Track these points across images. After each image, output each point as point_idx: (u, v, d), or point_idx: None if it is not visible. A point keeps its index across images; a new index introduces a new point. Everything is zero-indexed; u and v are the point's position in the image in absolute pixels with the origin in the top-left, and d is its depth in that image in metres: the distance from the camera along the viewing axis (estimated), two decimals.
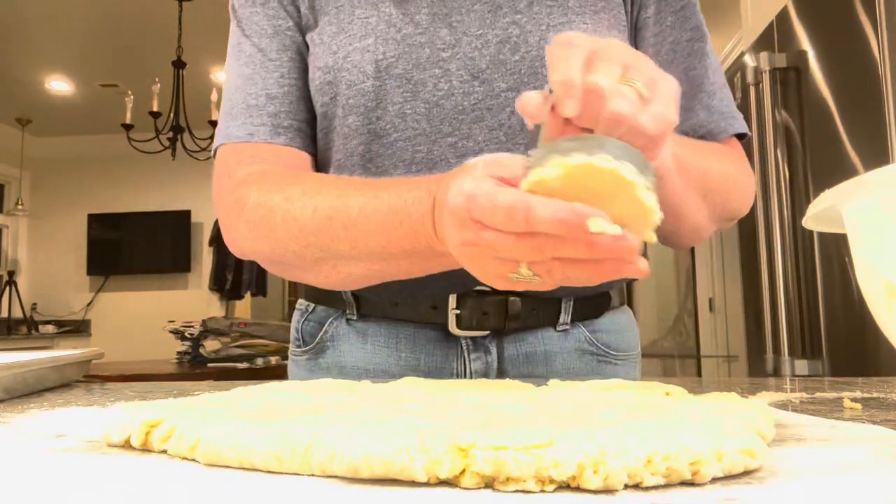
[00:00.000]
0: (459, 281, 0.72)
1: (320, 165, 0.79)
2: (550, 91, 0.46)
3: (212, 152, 0.79)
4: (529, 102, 0.46)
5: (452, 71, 0.70)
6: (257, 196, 0.68)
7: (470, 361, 0.74)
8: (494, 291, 0.73)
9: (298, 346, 0.83)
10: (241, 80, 0.77)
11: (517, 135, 0.70)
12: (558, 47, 0.46)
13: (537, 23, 0.71)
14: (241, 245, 0.72)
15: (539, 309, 0.75)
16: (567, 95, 0.44)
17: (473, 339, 0.74)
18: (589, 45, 0.46)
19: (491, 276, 0.48)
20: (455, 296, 0.72)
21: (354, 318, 0.77)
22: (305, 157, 0.77)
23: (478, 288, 0.72)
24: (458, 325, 0.73)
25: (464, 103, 0.70)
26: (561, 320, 0.76)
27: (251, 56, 0.76)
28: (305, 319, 0.82)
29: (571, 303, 0.76)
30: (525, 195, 0.42)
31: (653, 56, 0.77)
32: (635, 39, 0.79)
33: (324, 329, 0.80)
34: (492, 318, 0.73)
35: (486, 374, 0.74)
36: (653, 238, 0.42)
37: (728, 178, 0.73)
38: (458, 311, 0.72)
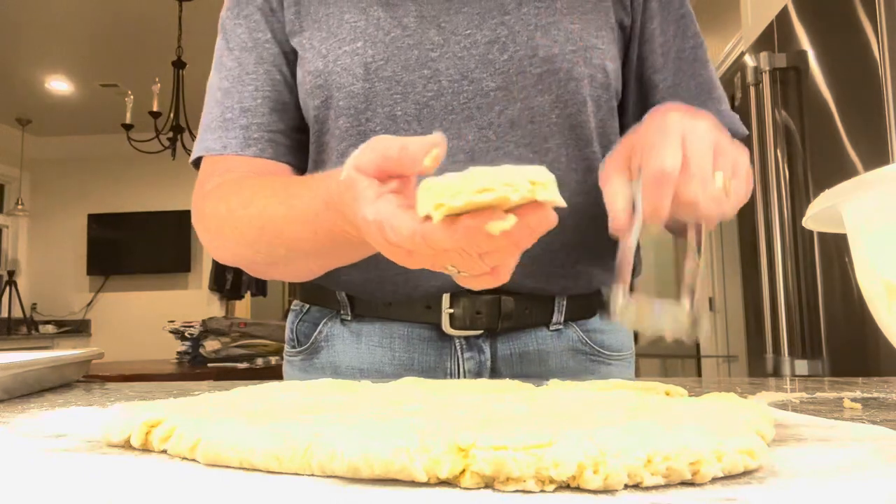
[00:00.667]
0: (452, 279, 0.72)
1: (316, 169, 0.79)
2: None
3: (191, 163, 0.80)
4: (620, 222, 0.55)
5: (441, 71, 0.71)
6: (211, 207, 0.72)
7: (463, 361, 0.74)
8: (487, 291, 0.73)
9: (293, 347, 0.83)
10: (220, 93, 0.79)
11: (507, 133, 0.71)
12: (654, 134, 0.54)
13: (525, 23, 0.71)
14: (211, 251, 0.75)
15: (532, 308, 0.75)
16: (654, 220, 0.53)
17: (467, 338, 0.74)
18: (680, 131, 0.53)
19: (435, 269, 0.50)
20: (448, 295, 0.73)
21: (349, 318, 0.78)
22: (279, 167, 0.78)
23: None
24: (452, 325, 0.73)
25: (453, 103, 0.71)
26: (554, 320, 0.76)
27: (231, 70, 0.78)
28: (300, 320, 0.83)
29: (565, 302, 0.76)
30: (419, 226, 0.43)
31: (662, 66, 0.79)
32: (642, 51, 0.80)
33: (318, 329, 0.80)
34: (485, 318, 0.73)
35: (479, 374, 0.74)
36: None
37: None
38: (451, 311, 0.73)
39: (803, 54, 1.81)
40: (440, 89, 0.71)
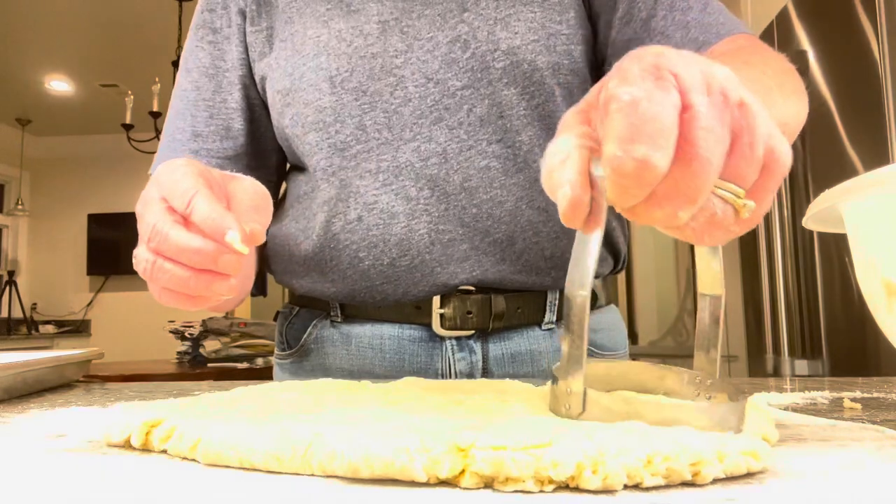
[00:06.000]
0: (442, 281, 0.72)
1: (294, 183, 0.80)
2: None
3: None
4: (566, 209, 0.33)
5: (407, 77, 0.71)
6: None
7: (455, 362, 0.73)
8: (478, 290, 0.73)
9: (283, 350, 0.83)
10: (173, 112, 0.80)
11: (478, 131, 0.71)
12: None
13: (485, 18, 0.71)
14: None
15: (524, 308, 0.75)
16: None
17: (458, 339, 0.74)
18: (675, 82, 0.31)
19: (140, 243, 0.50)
20: (439, 296, 0.73)
21: (339, 319, 0.77)
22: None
23: (462, 287, 0.72)
24: (443, 325, 0.73)
25: (421, 107, 0.71)
26: (546, 319, 0.76)
27: (186, 92, 0.80)
28: (289, 323, 0.82)
29: (557, 300, 0.76)
30: (200, 186, 0.46)
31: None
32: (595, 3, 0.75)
33: (308, 332, 0.79)
34: (476, 318, 0.72)
35: (470, 375, 0.74)
36: None
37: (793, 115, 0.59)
38: (442, 311, 0.72)
39: (803, 54, 1.81)
40: (407, 95, 0.71)
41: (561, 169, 0.33)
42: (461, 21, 0.71)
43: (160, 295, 0.48)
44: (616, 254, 0.82)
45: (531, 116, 0.72)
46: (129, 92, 4.65)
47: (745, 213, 0.31)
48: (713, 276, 0.39)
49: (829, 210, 0.46)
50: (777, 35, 1.95)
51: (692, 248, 0.39)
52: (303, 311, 0.81)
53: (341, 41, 0.72)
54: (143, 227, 0.46)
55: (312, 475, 0.30)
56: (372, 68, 0.71)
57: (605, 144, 0.30)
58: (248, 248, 0.44)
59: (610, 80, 0.32)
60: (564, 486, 0.27)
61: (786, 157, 0.32)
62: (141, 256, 0.47)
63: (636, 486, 0.27)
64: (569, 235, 0.75)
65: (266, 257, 0.84)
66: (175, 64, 4.34)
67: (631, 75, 0.31)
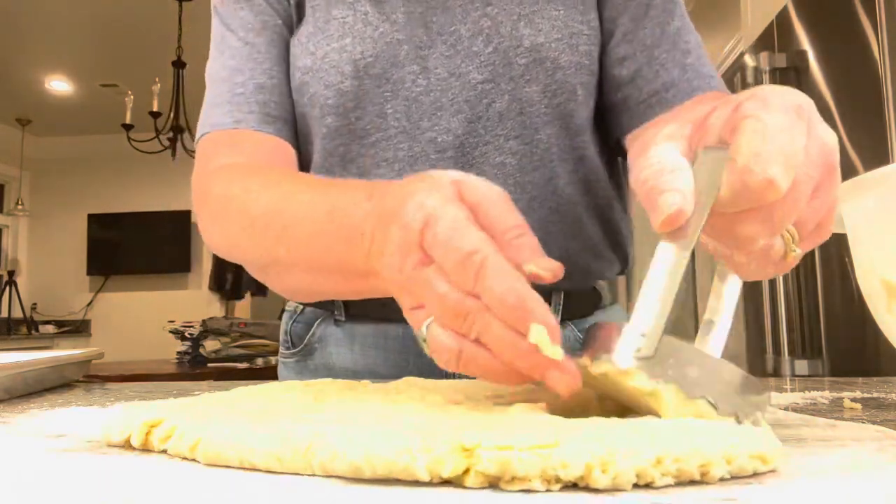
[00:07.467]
0: None
1: (299, 167, 0.77)
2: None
3: (195, 142, 0.75)
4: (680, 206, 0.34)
5: (430, 68, 0.70)
6: (222, 186, 0.64)
7: None
8: None
9: (287, 349, 0.82)
10: (227, 71, 0.74)
11: (496, 125, 0.70)
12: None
13: (508, 13, 0.71)
14: (206, 238, 0.68)
15: None
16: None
17: None
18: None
19: (409, 316, 0.41)
20: None
21: (342, 318, 0.77)
22: (291, 152, 0.74)
23: None
24: None
25: (442, 99, 0.70)
26: None
27: (237, 49, 0.74)
28: (294, 321, 0.82)
29: (562, 301, 0.75)
30: (486, 244, 0.35)
31: (623, 12, 0.73)
32: (600, 3, 0.75)
33: (311, 331, 0.79)
34: None
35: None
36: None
37: None
38: None
39: (803, 54, 1.81)
40: (429, 85, 0.70)
41: (673, 176, 0.34)
42: (484, 15, 0.71)
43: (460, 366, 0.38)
44: (623, 255, 0.81)
45: (551, 115, 0.71)
46: (129, 92, 4.65)
47: (791, 258, 0.35)
48: (725, 306, 0.40)
49: None
50: (777, 35, 1.96)
51: (711, 276, 0.41)
52: (307, 310, 0.80)
53: (367, 25, 0.71)
54: (428, 294, 0.37)
55: (313, 475, 0.30)
56: (396, 55, 0.70)
57: (737, 155, 0.32)
58: (562, 352, 0.33)
59: (746, 101, 0.35)
60: (570, 485, 0.27)
61: (829, 230, 0.36)
62: (443, 342, 0.37)
63: (638, 486, 0.27)
64: (577, 238, 0.75)
65: None
66: (175, 64, 4.35)
67: (773, 105, 0.34)
